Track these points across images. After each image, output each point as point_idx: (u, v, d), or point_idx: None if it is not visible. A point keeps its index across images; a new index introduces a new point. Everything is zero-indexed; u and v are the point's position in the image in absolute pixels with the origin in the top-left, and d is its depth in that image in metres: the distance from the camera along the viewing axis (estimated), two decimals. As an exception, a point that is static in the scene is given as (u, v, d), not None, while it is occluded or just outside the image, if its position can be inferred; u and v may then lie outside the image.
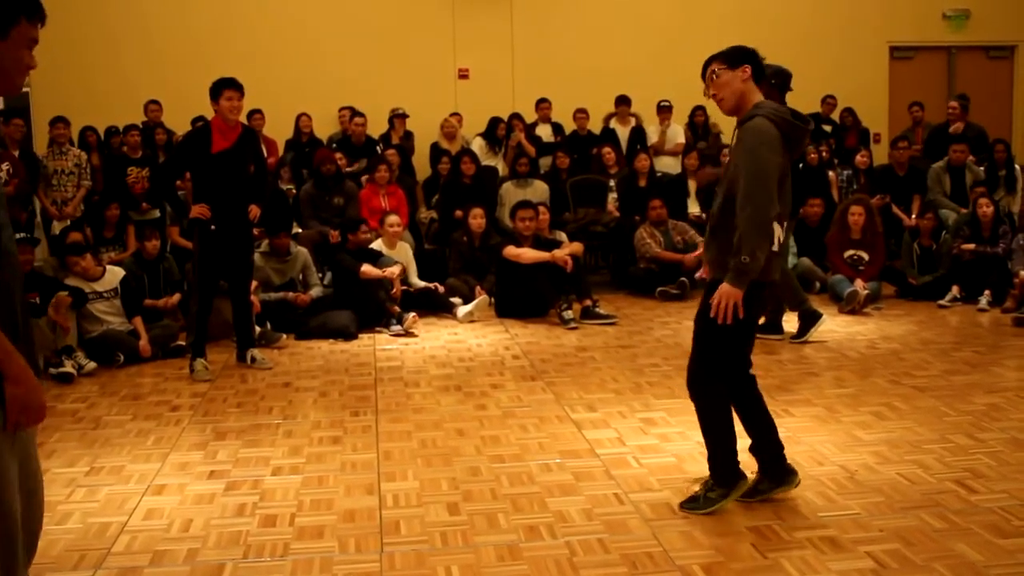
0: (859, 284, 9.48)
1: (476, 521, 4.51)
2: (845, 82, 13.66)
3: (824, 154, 12.04)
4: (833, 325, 8.81)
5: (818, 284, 10.34)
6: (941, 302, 9.65)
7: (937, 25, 14.76)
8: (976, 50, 14.63)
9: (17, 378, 2.60)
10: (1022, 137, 14.62)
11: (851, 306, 9.32)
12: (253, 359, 7.71)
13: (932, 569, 3.96)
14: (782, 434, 5.67)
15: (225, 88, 7.29)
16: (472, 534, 4.37)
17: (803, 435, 5.70)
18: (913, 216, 11.00)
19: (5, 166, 10.00)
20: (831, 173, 11.83)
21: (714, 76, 4.44)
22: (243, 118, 7.88)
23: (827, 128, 13.23)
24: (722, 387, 4.58)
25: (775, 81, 6.64)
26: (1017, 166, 12.03)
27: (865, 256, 9.84)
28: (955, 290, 9.76)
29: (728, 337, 4.46)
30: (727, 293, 4.30)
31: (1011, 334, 8.45)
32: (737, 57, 4.43)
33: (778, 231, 4.39)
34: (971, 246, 9.97)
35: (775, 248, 4.40)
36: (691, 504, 4.61)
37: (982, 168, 11.53)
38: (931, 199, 11.12)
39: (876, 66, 14.55)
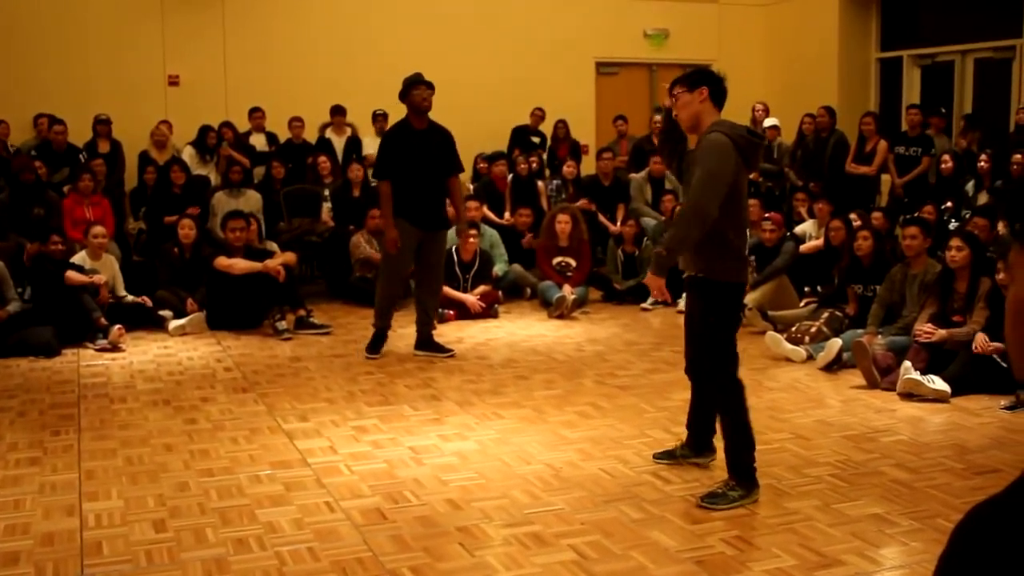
0: (567, 289, 9.83)
1: (183, 537, 4.41)
2: (555, 96, 14.07)
3: (534, 165, 12.43)
4: (543, 330, 9.13)
5: (529, 290, 10.64)
6: (644, 305, 10.09)
7: (639, 43, 15.45)
8: (675, 67, 15.32)
9: None
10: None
11: (559, 311, 9.65)
12: (-58, 380, 7.25)
13: (629, 557, 4.17)
14: (490, 437, 5.88)
15: None
16: (179, 550, 4.27)
17: (511, 436, 5.87)
18: (618, 223, 11.49)
19: None
20: (540, 183, 12.20)
21: (674, 98, 4.85)
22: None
23: (536, 140, 13.64)
24: (738, 383, 4.82)
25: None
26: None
27: (572, 263, 10.22)
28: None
29: (720, 332, 4.78)
30: (649, 282, 4.83)
31: (706, 334, 8.96)
32: (696, 80, 4.80)
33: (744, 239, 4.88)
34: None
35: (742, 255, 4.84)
36: (712, 500, 4.69)
37: (679, 178, 12.16)
38: (634, 207, 11.63)
39: (583, 81, 15.09)
